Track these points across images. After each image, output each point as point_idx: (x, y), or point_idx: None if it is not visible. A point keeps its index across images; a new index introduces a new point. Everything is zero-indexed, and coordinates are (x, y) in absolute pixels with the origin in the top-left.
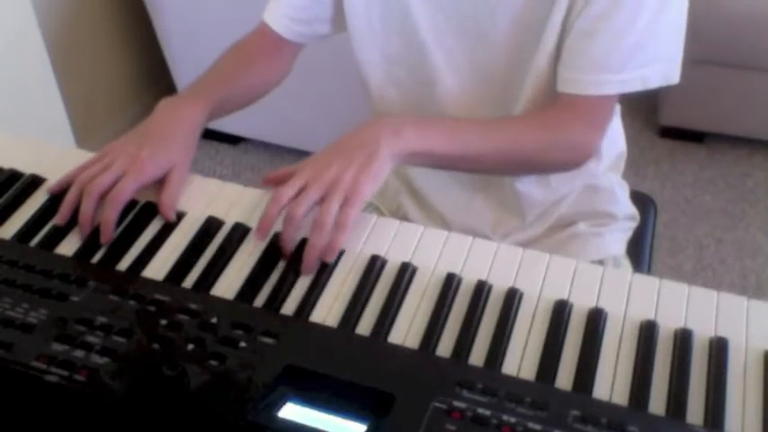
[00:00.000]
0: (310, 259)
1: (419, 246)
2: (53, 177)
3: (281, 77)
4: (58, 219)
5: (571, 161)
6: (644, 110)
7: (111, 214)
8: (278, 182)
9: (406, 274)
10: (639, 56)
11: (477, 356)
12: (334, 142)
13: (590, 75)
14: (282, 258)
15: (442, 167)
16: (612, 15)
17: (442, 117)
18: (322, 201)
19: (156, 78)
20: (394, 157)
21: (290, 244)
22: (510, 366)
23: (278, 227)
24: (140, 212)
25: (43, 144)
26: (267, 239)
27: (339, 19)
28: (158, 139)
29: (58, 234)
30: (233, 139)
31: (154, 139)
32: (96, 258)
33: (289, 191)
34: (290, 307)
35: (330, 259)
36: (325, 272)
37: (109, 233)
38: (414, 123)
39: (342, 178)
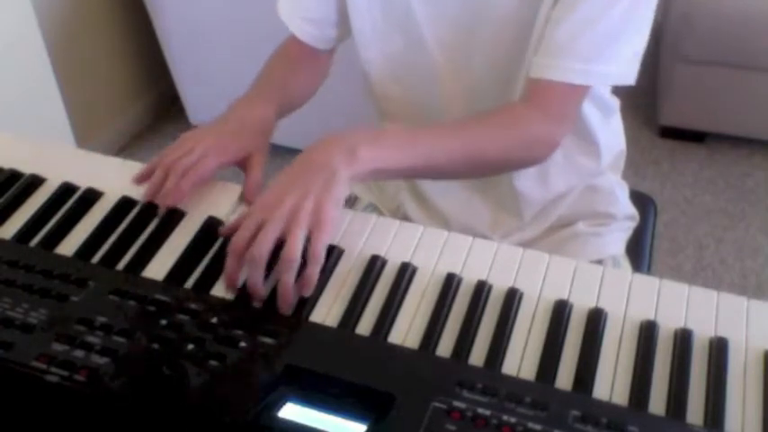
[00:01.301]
0: (286, 298)
1: (419, 246)
2: (53, 177)
3: (321, 81)
4: (145, 198)
5: (533, 157)
6: (644, 110)
7: (186, 184)
8: (234, 231)
9: (406, 274)
10: (608, 50)
11: (477, 356)
12: (284, 170)
13: (555, 59)
14: (255, 304)
15: (406, 178)
16: (583, 2)
17: (403, 128)
18: (285, 233)
19: (156, 78)
20: (352, 179)
21: (258, 289)
22: (510, 366)
23: None
24: (140, 212)
25: (43, 144)
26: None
27: (344, 21)
28: (238, 128)
29: (58, 234)
30: None
31: (233, 127)
32: (96, 258)
33: (244, 234)
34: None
35: (307, 293)
36: (325, 272)
37: (177, 200)
38: (368, 141)
39: (302, 207)
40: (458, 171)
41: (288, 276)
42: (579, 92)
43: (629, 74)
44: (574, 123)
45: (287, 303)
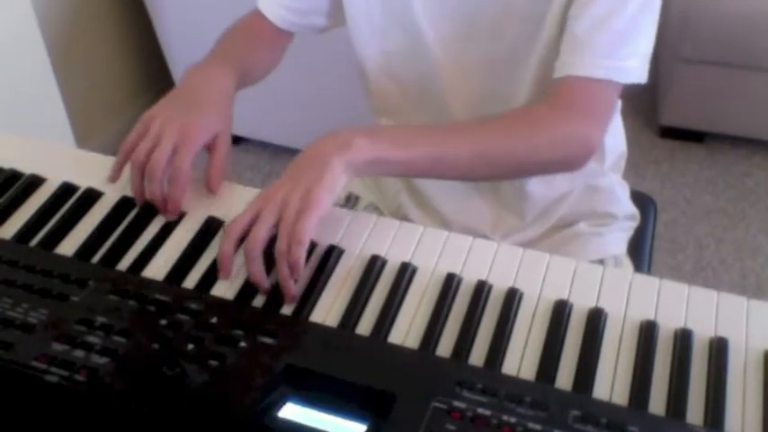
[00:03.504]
0: (285, 290)
1: (419, 246)
2: (53, 177)
3: (275, 65)
4: (138, 204)
5: (566, 159)
6: (644, 110)
7: (177, 194)
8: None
9: (406, 274)
10: (623, 48)
11: (477, 356)
12: (287, 169)
13: (574, 56)
14: (261, 294)
15: (415, 174)
16: (599, 0)
17: (409, 125)
18: (277, 225)
19: (156, 78)
20: (348, 167)
21: (259, 279)
22: (510, 366)
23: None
24: (140, 212)
25: (43, 144)
26: (234, 274)
27: (336, 13)
28: (199, 106)
29: (58, 234)
30: (233, 139)
31: (194, 105)
32: (96, 258)
33: (240, 222)
34: (289, 307)
35: (297, 277)
36: (324, 272)
37: (177, 211)
38: (365, 133)
39: (292, 196)
40: (470, 169)
41: (281, 268)
42: (605, 88)
43: (642, 72)
44: (607, 123)
45: (288, 295)
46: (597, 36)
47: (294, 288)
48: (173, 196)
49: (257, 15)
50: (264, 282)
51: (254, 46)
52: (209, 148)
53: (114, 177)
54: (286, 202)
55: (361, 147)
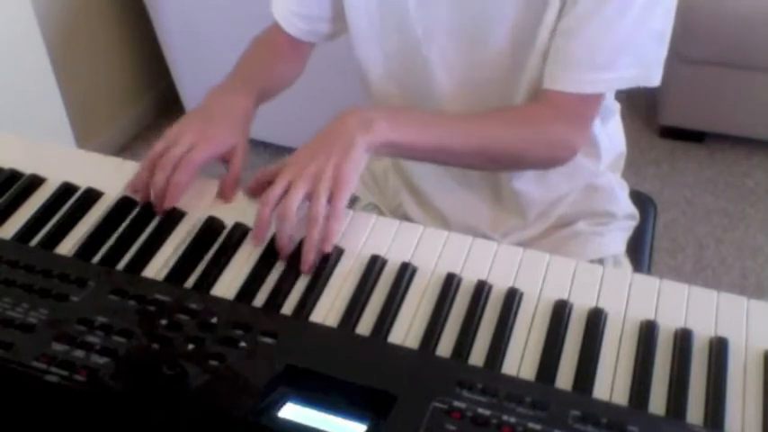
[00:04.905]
0: (309, 254)
1: (419, 246)
2: (53, 177)
3: (297, 75)
4: (140, 198)
5: (552, 158)
6: (644, 110)
7: (182, 177)
8: (260, 186)
9: (406, 274)
10: (623, 57)
11: (477, 356)
12: (310, 139)
13: (574, 73)
14: (281, 259)
15: (420, 159)
16: (597, 13)
17: (421, 109)
18: (310, 195)
19: (156, 78)
20: (369, 148)
21: (285, 242)
22: (510, 366)
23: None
24: (140, 212)
25: (43, 144)
26: (266, 241)
27: (339, 18)
28: (220, 120)
29: (58, 234)
30: None
31: (216, 119)
32: (96, 258)
33: (276, 190)
34: (289, 307)
35: (328, 249)
36: (324, 272)
37: (176, 197)
38: (387, 115)
39: (324, 170)
40: (471, 160)
41: (311, 232)
42: (594, 99)
43: (650, 74)
44: (591, 129)
45: (310, 260)
46: (593, 52)
47: (315, 258)
48: (176, 181)
49: (275, 26)
50: (289, 246)
51: (272, 62)
52: (226, 159)
53: (132, 188)
54: (318, 175)
55: (380, 129)
